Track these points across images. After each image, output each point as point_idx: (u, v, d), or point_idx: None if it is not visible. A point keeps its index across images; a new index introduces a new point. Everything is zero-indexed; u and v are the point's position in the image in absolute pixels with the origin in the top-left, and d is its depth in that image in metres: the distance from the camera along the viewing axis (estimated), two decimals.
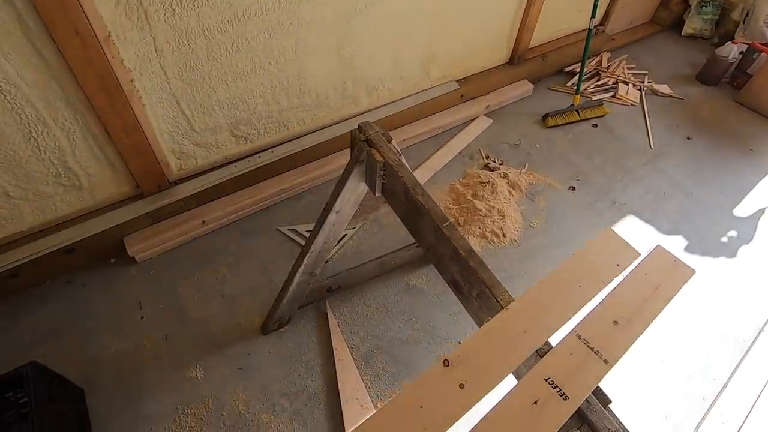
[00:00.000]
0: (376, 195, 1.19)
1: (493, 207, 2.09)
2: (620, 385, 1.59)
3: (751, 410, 1.55)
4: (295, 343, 1.64)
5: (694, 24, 3.46)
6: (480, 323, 0.95)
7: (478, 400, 0.70)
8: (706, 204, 2.29)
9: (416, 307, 1.77)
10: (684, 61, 3.27)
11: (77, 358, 1.56)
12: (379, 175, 1.12)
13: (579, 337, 0.79)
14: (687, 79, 3.11)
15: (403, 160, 1.14)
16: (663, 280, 0.88)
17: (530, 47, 2.75)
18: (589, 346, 0.78)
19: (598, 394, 0.75)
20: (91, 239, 1.72)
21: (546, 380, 0.73)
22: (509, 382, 0.75)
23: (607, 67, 3.06)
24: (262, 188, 2.04)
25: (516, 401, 0.71)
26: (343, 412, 1.45)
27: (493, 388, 0.72)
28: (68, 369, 1.48)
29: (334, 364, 1.56)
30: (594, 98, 2.84)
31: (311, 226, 1.34)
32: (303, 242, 1.93)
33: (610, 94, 2.91)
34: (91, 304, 1.70)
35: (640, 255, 0.92)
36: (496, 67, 2.72)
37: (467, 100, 2.62)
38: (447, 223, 0.99)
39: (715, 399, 1.59)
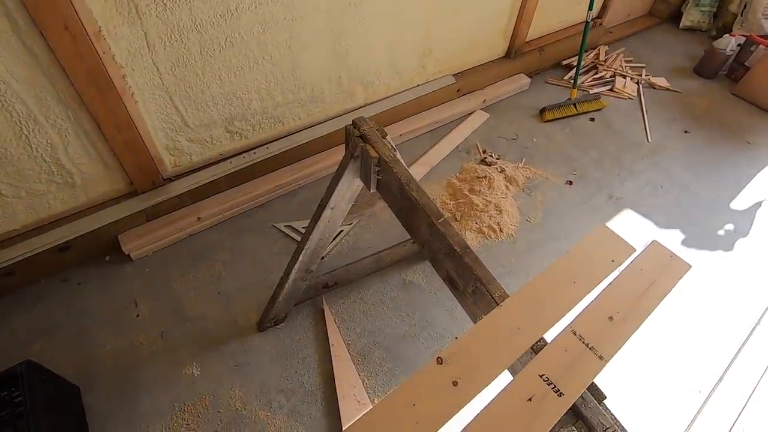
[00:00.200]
0: (372, 191, 1.18)
1: (490, 202, 2.09)
2: (615, 380, 1.59)
3: (746, 403, 1.55)
4: (292, 340, 1.63)
5: (692, 16, 3.44)
6: (475, 319, 0.94)
7: (471, 398, 0.70)
8: (703, 197, 2.29)
9: (413, 302, 1.77)
10: (682, 53, 3.26)
11: (73, 356, 1.55)
12: (373, 171, 1.12)
13: (574, 333, 0.79)
14: (685, 72, 3.09)
15: (398, 156, 1.13)
16: (659, 275, 0.88)
17: (527, 41, 2.73)
18: (584, 342, 0.77)
19: (593, 390, 0.75)
20: (86, 237, 1.71)
21: (541, 376, 0.73)
22: (504, 378, 0.75)
23: (605, 61, 3.05)
24: (257, 184, 2.03)
25: (511, 398, 0.71)
26: (340, 409, 1.45)
27: (487, 385, 0.72)
28: (64, 367, 1.48)
29: (331, 361, 1.56)
30: (591, 92, 2.82)
31: (307, 223, 1.33)
32: (299, 238, 1.92)
33: (608, 87, 2.90)
34: (87, 302, 1.69)
35: (635, 250, 0.92)
36: (492, 60, 2.70)
37: (464, 95, 2.61)
38: (442, 219, 0.98)
39: (711, 392, 1.60)
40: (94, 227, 1.72)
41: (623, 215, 2.18)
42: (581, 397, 0.72)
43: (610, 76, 2.96)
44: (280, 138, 2.07)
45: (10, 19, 1.21)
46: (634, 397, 1.57)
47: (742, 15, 3.21)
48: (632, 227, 2.13)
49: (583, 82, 2.89)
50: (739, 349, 1.72)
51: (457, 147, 2.42)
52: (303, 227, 1.96)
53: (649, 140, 2.57)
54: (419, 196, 1.02)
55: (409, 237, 1.78)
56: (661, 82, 2.96)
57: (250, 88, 1.81)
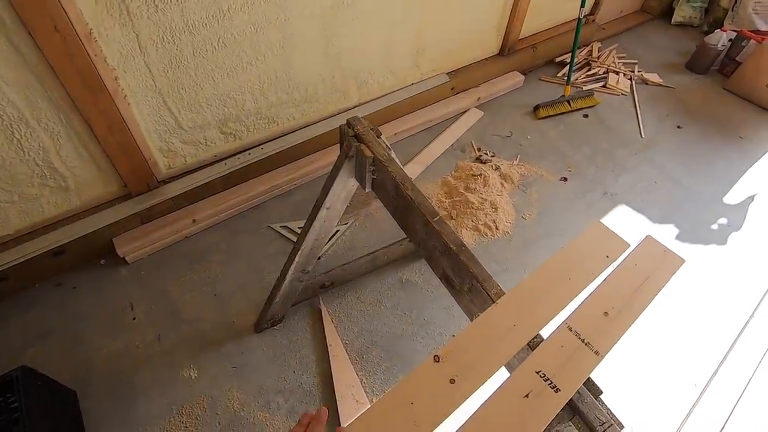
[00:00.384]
0: (367, 191, 1.18)
1: (486, 199, 2.09)
2: (612, 375, 1.60)
3: (741, 396, 1.57)
4: (289, 341, 1.63)
5: (683, 12, 3.46)
6: (471, 317, 0.94)
7: (468, 395, 0.70)
8: (696, 192, 2.31)
9: (410, 301, 1.77)
10: (674, 49, 3.28)
11: (69, 360, 1.54)
12: (368, 171, 1.11)
13: (570, 329, 0.79)
14: (677, 68, 3.11)
15: (393, 155, 1.13)
16: (653, 270, 0.88)
17: (520, 38, 2.74)
18: (580, 338, 0.78)
19: (590, 385, 0.75)
20: (80, 241, 1.70)
21: (537, 373, 0.73)
22: (501, 375, 0.75)
23: (598, 57, 3.06)
24: (252, 185, 2.02)
25: (507, 394, 0.71)
26: (339, 408, 1.45)
27: (484, 382, 0.72)
28: (60, 372, 1.47)
29: (329, 361, 1.56)
30: (585, 88, 2.84)
31: (303, 223, 1.33)
32: (295, 239, 1.92)
33: (601, 83, 2.91)
34: (82, 306, 1.68)
35: (629, 246, 0.92)
36: (486, 58, 2.71)
37: (458, 93, 2.61)
38: (437, 218, 0.98)
39: (707, 385, 1.61)
40: (88, 231, 1.71)
41: (617, 211, 2.19)
42: (578, 392, 0.72)
43: (603, 73, 2.98)
44: (275, 138, 2.07)
45: None
46: (630, 392, 1.58)
47: (732, 10, 3.23)
48: (626, 223, 2.14)
49: (576, 79, 2.90)
50: (734, 342, 1.74)
51: (452, 145, 2.42)
52: (299, 228, 1.96)
53: (643, 136, 2.59)
54: (414, 195, 1.02)
55: (405, 236, 1.78)
56: (653, 78, 2.97)
57: (244, 89, 1.80)
